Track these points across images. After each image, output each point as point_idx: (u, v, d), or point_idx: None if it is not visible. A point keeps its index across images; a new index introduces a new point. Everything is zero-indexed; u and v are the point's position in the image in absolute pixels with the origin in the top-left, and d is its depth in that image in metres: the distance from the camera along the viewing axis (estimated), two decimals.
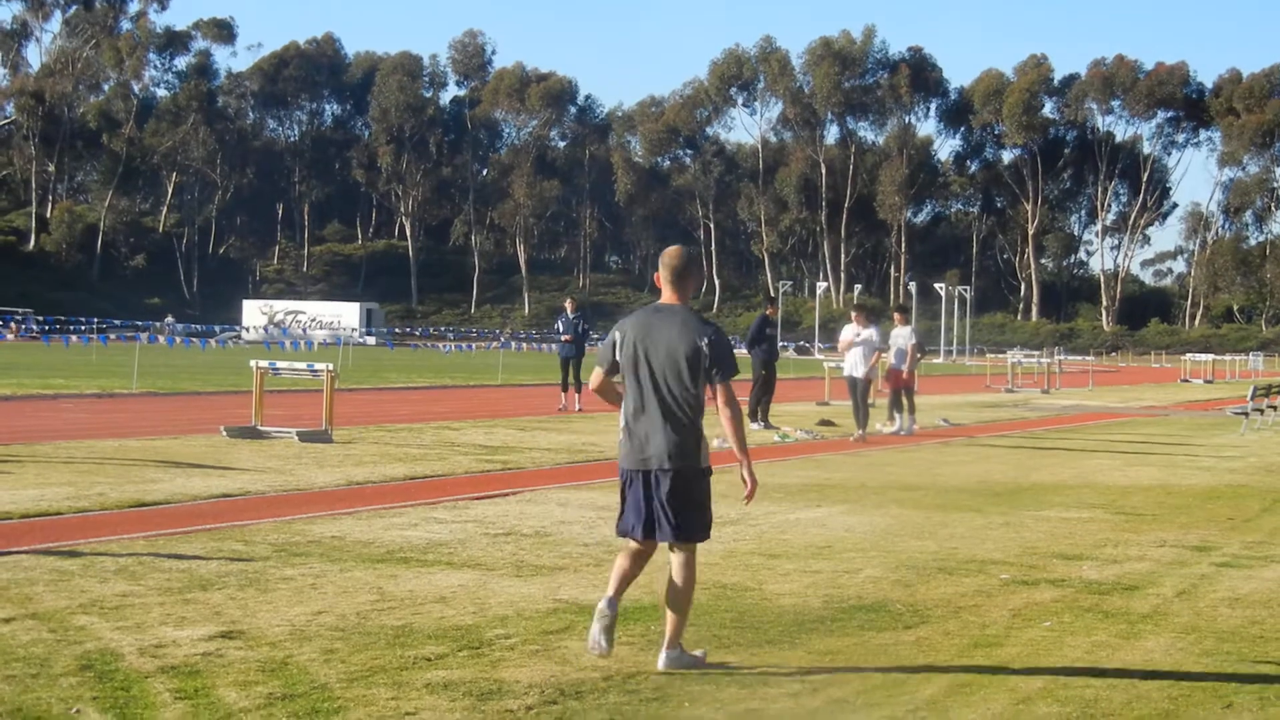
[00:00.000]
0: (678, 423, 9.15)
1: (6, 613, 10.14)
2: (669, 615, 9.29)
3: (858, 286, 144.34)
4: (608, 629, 9.04)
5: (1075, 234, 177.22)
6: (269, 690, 8.23)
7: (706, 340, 9.17)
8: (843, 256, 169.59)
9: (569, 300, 40.46)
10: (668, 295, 9.44)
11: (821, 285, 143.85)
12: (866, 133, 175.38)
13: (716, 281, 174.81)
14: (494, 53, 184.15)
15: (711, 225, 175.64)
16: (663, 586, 9.49)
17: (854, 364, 29.83)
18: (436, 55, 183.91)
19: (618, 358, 9.32)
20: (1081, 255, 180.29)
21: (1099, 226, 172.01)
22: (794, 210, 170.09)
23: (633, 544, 9.35)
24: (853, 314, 31.07)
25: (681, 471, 9.14)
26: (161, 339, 68.50)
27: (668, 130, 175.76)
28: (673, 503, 9.14)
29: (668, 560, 9.39)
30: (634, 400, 9.27)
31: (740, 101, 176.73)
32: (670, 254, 9.52)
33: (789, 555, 13.80)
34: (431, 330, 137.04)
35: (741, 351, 38.22)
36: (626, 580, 9.40)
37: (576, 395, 36.77)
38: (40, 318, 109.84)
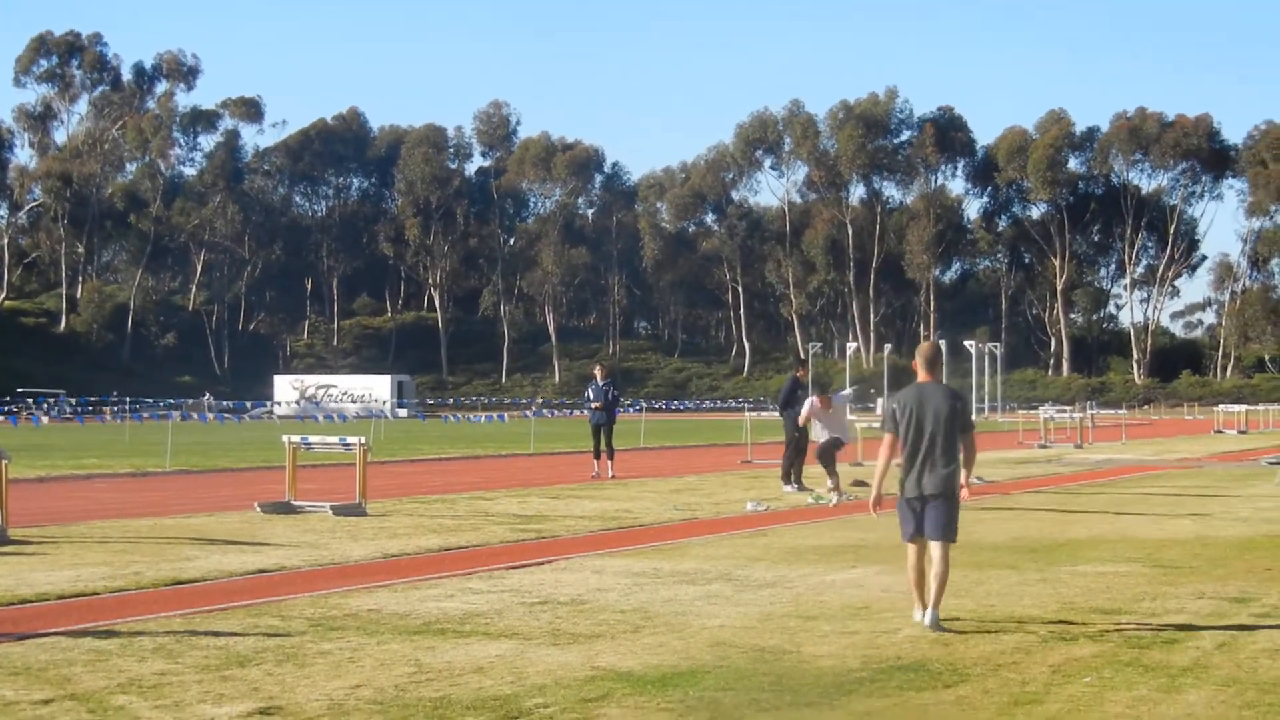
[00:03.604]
0: (946, 463, 13.16)
1: (45, 694, 10.15)
2: (934, 588, 13.06)
3: (888, 346, 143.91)
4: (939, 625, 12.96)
5: (1104, 288, 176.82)
6: None
7: (960, 404, 13.40)
8: (872, 316, 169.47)
9: (599, 367, 40.34)
10: (924, 376, 13.49)
11: (851, 346, 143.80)
12: (893, 192, 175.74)
13: (746, 345, 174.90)
14: (519, 123, 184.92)
15: (740, 288, 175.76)
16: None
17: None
18: (461, 127, 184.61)
19: (900, 422, 13.23)
20: (1111, 309, 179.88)
21: (1128, 280, 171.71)
22: (821, 272, 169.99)
23: (914, 547, 13.37)
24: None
25: (947, 495, 13.17)
26: (195, 416, 68.67)
27: (693, 195, 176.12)
28: (941, 516, 13.15)
29: (930, 558, 13.18)
30: (913, 450, 13.17)
31: (767, 164, 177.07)
32: (926, 348, 13.73)
33: (826, 616, 13.78)
34: (463, 401, 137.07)
35: (773, 414, 38.19)
36: (923, 583, 13.22)
37: (609, 462, 36.69)
38: (73, 399, 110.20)
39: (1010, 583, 16.14)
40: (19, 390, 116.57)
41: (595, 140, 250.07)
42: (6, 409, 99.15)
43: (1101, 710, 9.72)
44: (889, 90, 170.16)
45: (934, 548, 13.20)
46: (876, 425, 32.08)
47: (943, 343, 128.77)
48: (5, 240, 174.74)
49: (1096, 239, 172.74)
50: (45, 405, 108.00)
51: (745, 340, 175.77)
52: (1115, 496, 30.04)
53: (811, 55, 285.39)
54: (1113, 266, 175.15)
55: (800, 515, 25.29)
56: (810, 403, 29.87)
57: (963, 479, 13.43)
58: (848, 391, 30.41)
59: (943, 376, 13.78)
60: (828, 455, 28.94)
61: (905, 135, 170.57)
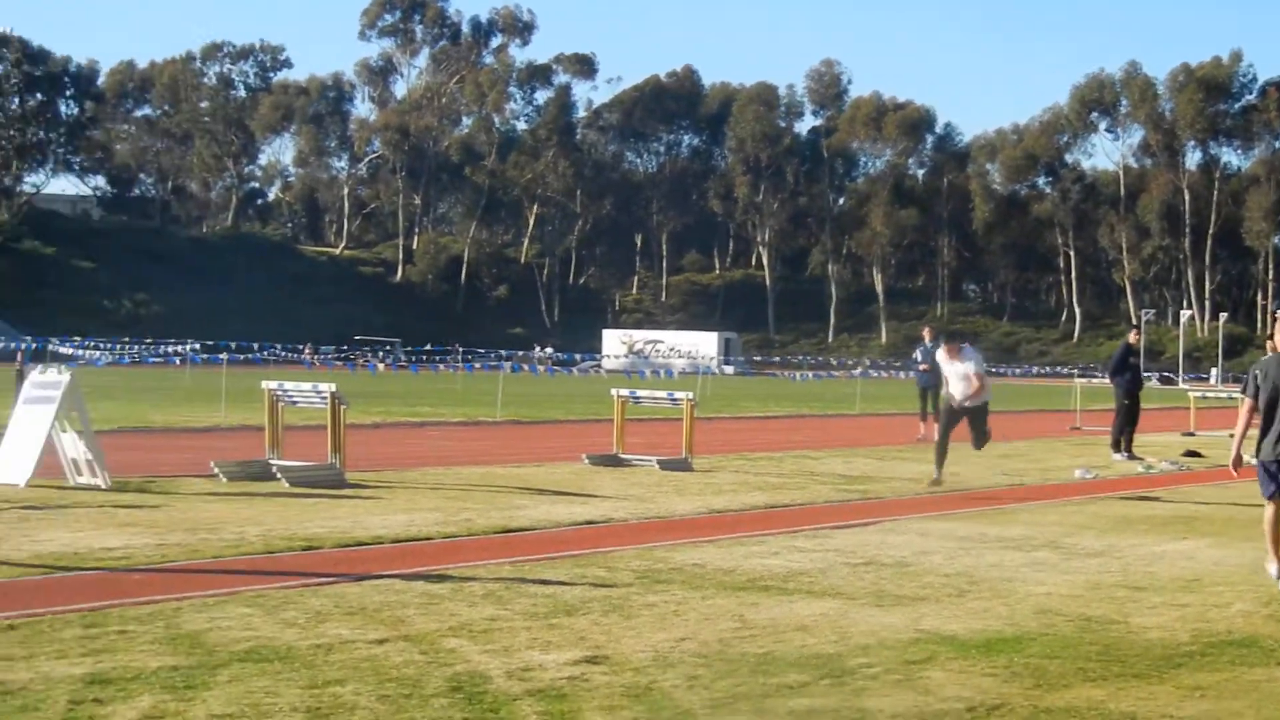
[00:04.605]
0: None
1: (380, 634, 10.42)
2: None
3: (1223, 315, 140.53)
4: None
5: None
6: (634, 715, 8.32)
7: None
8: (1207, 284, 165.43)
9: (927, 329, 40.05)
10: None
11: (1185, 313, 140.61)
12: (1231, 158, 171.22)
13: (1077, 310, 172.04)
14: (850, 82, 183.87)
15: (1071, 253, 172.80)
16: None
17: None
18: (793, 85, 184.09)
19: (1261, 387, 13.48)
20: None
21: None
22: (1156, 237, 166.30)
23: (1273, 504, 13.45)
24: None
25: None
26: (526, 368, 69.85)
27: (1026, 157, 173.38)
28: None
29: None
30: (1270, 415, 13.39)
31: (1102, 127, 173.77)
32: None
33: (1155, 588, 13.52)
34: (789, 359, 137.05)
35: (1103, 381, 37.54)
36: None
37: (936, 425, 36.42)
38: (408, 347, 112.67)
39: None
40: (356, 338, 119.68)
41: (926, 100, 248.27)
42: (344, 355, 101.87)
43: None
44: (1233, 53, 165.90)
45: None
46: (1212, 395, 31.56)
47: None
48: (345, 191, 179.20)
49: None
50: (381, 353, 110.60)
51: (1076, 305, 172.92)
52: None
53: (1150, 16, 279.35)
54: None
55: (1130, 484, 24.88)
56: (924, 350, 24.85)
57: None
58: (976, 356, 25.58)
59: None
60: (949, 427, 23.95)
61: (1246, 99, 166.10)
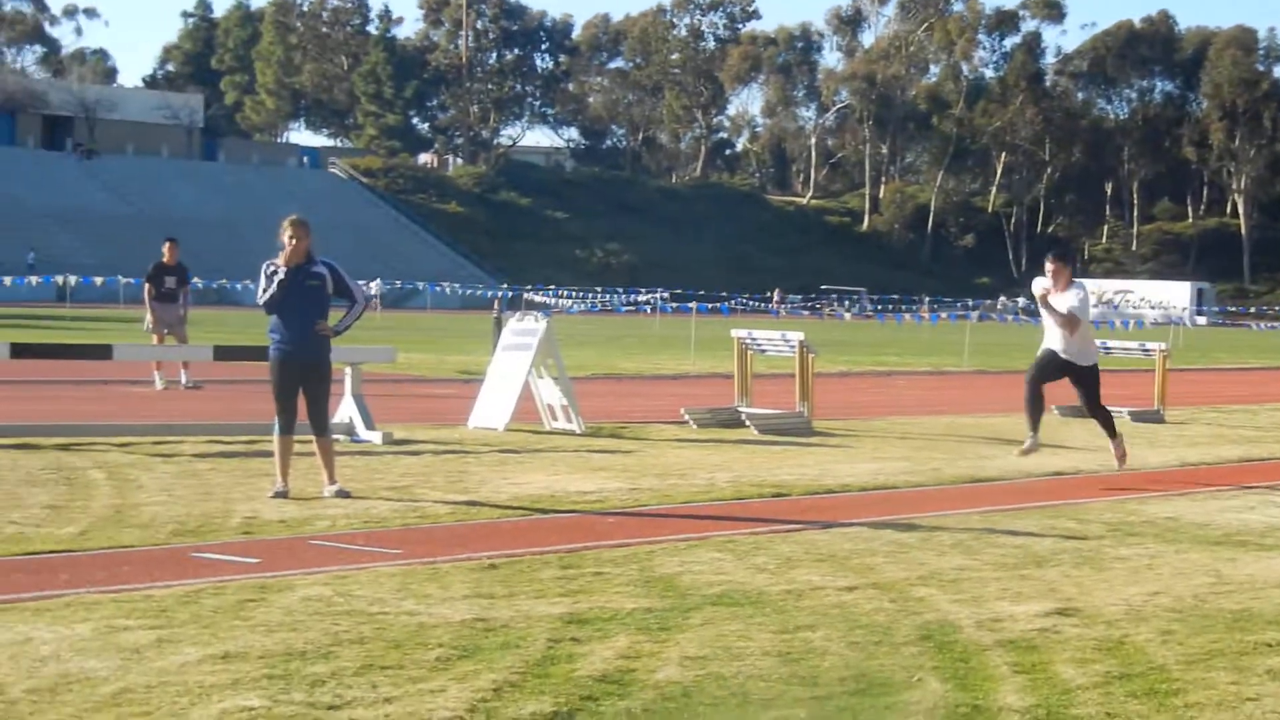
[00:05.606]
0: None
1: (850, 581, 10.51)
2: None
3: None
4: None
5: None
6: (1106, 669, 8.23)
7: None
8: None
9: None
10: None
11: None
12: None
13: None
14: None
15: None
16: None
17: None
18: (1274, 28, 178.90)
19: None
20: None
21: None
22: None
23: None
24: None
25: None
26: (993, 318, 69.40)
27: None
28: None
29: None
30: None
31: None
32: None
33: None
34: (1265, 310, 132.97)
35: None
36: None
37: None
38: (874, 296, 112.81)
39: None
40: (822, 287, 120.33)
41: None
42: (811, 304, 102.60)
43: None
44: None
45: None
46: None
47: None
48: (812, 140, 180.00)
49: None
50: (847, 302, 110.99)
51: None
52: None
53: None
54: None
55: None
56: (1037, 282, 17.65)
57: None
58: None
59: None
60: (1094, 393, 17.66)
61: None
